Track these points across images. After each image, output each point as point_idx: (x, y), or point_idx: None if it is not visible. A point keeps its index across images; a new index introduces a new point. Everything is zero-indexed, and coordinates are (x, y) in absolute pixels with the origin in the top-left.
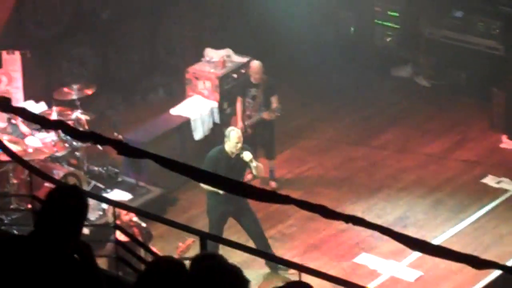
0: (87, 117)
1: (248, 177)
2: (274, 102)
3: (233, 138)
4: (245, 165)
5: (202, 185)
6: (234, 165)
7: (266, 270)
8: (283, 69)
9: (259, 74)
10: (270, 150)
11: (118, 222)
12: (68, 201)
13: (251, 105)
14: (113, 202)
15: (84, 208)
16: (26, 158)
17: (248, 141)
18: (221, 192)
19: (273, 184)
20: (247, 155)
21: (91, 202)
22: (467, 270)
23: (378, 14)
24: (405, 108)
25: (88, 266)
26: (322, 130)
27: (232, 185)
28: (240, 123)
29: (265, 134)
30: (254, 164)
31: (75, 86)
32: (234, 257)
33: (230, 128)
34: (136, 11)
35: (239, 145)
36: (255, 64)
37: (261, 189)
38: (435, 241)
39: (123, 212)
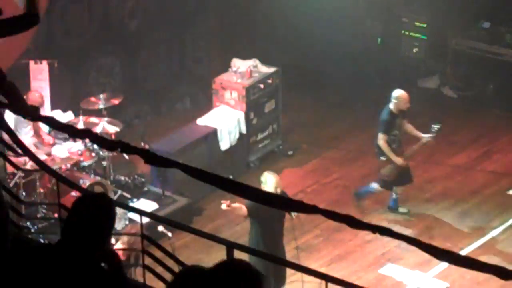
0: (115, 128)
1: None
2: (407, 122)
3: (271, 183)
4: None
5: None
6: (273, 210)
7: None
8: (311, 80)
9: (408, 103)
10: (410, 175)
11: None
12: (96, 209)
13: (398, 136)
14: (140, 211)
15: (112, 216)
16: (53, 166)
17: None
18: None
19: (403, 209)
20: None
21: (118, 211)
22: (493, 281)
23: (405, 25)
24: (431, 119)
25: (116, 275)
26: (349, 140)
27: (260, 195)
28: (399, 159)
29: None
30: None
31: (102, 96)
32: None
33: (266, 173)
34: (163, 21)
35: (279, 190)
36: (404, 93)
37: (289, 199)
38: (462, 253)
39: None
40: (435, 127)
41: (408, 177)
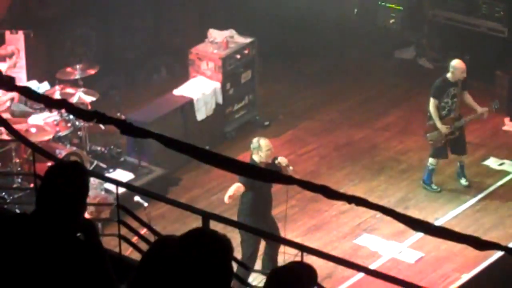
0: (91, 98)
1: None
2: (468, 95)
3: (264, 147)
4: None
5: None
6: None
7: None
8: (287, 50)
9: (465, 72)
10: (463, 146)
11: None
12: (68, 177)
13: (448, 104)
14: (115, 182)
15: (85, 184)
16: (29, 137)
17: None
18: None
19: (464, 182)
20: (283, 160)
21: (94, 182)
22: (468, 251)
23: None
24: (408, 90)
25: (92, 245)
26: (324, 111)
27: (236, 166)
28: (443, 127)
29: (461, 130)
30: (291, 168)
31: (78, 66)
32: (236, 237)
33: (256, 138)
34: None
35: (271, 151)
36: (461, 63)
37: (265, 169)
38: (437, 223)
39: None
40: (494, 104)
41: (445, 152)
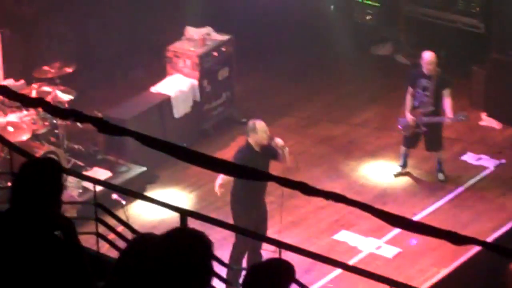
0: (69, 96)
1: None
2: (447, 95)
3: (260, 129)
4: (272, 155)
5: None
6: (264, 157)
7: None
8: (264, 47)
9: (433, 65)
10: (436, 143)
11: None
12: (41, 173)
13: (419, 95)
14: (93, 180)
15: (59, 180)
16: (6, 136)
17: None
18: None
19: (441, 177)
20: (280, 141)
21: (72, 180)
22: (445, 246)
23: None
24: (385, 85)
25: (70, 243)
26: (301, 108)
27: (214, 163)
28: (409, 116)
29: (435, 127)
30: (287, 149)
31: (55, 64)
32: (214, 234)
33: (252, 121)
34: None
35: (267, 133)
36: (428, 54)
37: (242, 166)
38: (415, 218)
39: None
40: (461, 116)
41: (413, 142)
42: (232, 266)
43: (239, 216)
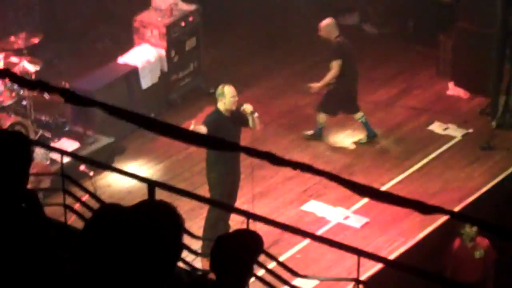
0: (35, 67)
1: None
2: (333, 67)
3: (228, 93)
4: (242, 121)
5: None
6: (232, 123)
7: None
8: (231, 17)
9: (321, 31)
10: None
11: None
12: (10, 147)
13: None
14: (61, 151)
15: (29, 154)
16: None
17: None
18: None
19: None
20: (248, 107)
21: (39, 151)
22: (413, 216)
23: None
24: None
25: (35, 214)
26: (269, 78)
27: (182, 133)
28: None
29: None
30: (256, 114)
31: (21, 35)
32: (182, 205)
33: (221, 85)
34: None
35: (235, 98)
36: (323, 21)
37: (210, 137)
38: (382, 188)
39: None
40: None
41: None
42: (206, 234)
43: (215, 183)
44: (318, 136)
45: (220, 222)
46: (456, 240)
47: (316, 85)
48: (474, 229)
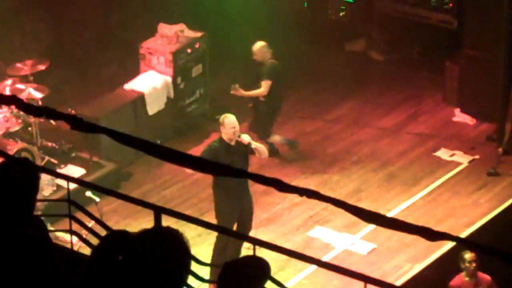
0: (41, 94)
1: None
2: (263, 86)
3: (227, 124)
4: (247, 149)
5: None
6: (235, 152)
7: None
8: (237, 44)
9: (256, 55)
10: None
11: None
12: (18, 173)
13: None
14: (67, 177)
15: (35, 180)
16: None
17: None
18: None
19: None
20: (246, 137)
21: (45, 177)
22: (420, 242)
23: None
24: (358, 82)
25: (42, 241)
26: None
27: (188, 160)
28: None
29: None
30: (253, 145)
31: (28, 62)
32: (189, 231)
33: (223, 115)
34: None
35: (234, 129)
36: (256, 45)
37: (215, 163)
38: (389, 214)
39: None
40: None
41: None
42: (215, 260)
43: (216, 210)
44: (291, 143)
45: (228, 249)
46: (458, 276)
47: (240, 91)
48: (473, 264)
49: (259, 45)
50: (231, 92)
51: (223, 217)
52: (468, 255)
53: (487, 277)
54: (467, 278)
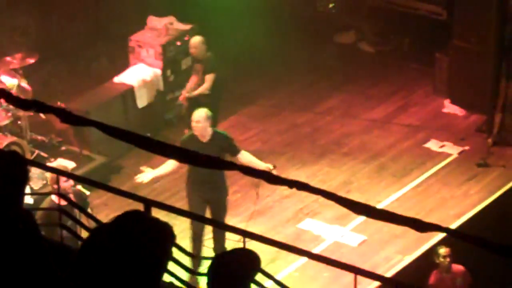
0: (30, 88)
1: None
2: (207, 81)
3: (192, 119)
4: (220, 150)
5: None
6: (204, 149)
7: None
8: (227, 36)
9: (194, 48)
10: None
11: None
12: (7, 166)
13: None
14: (56, 171)
15: (24, 173)
16: None
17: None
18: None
19: None
20: (268, 166)
21: (35, 171)
22: (410, 233)
23: None
24: (348, 74)
25: (31, 234)
26: (266, 96)
27: (177, 152)
28: (183, 93)
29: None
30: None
31: (17, 55)
32: (178, 224)
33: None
34: None
35: (199, 124)
36: (193, 38)
37: (206, 156)
38: (379, 206)
39: (63, 178)
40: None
41: None
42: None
43: (188, 197)
44: None
45: (202, 231)
46: (434, 273)
47: (191, 93)
48: (448, 259)
49: (198, 39)
50: (179, 99)
51: (189, 207)
52: (442, 250)
53: (460, 267)
54: (443, 274)
